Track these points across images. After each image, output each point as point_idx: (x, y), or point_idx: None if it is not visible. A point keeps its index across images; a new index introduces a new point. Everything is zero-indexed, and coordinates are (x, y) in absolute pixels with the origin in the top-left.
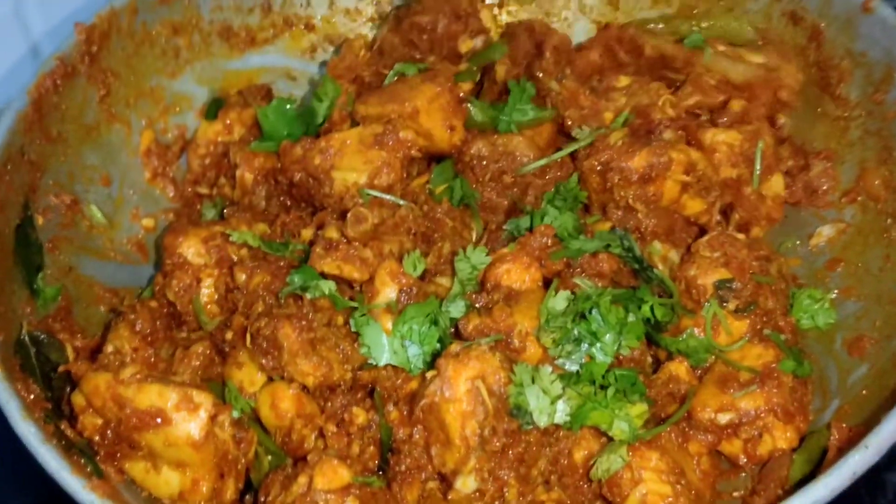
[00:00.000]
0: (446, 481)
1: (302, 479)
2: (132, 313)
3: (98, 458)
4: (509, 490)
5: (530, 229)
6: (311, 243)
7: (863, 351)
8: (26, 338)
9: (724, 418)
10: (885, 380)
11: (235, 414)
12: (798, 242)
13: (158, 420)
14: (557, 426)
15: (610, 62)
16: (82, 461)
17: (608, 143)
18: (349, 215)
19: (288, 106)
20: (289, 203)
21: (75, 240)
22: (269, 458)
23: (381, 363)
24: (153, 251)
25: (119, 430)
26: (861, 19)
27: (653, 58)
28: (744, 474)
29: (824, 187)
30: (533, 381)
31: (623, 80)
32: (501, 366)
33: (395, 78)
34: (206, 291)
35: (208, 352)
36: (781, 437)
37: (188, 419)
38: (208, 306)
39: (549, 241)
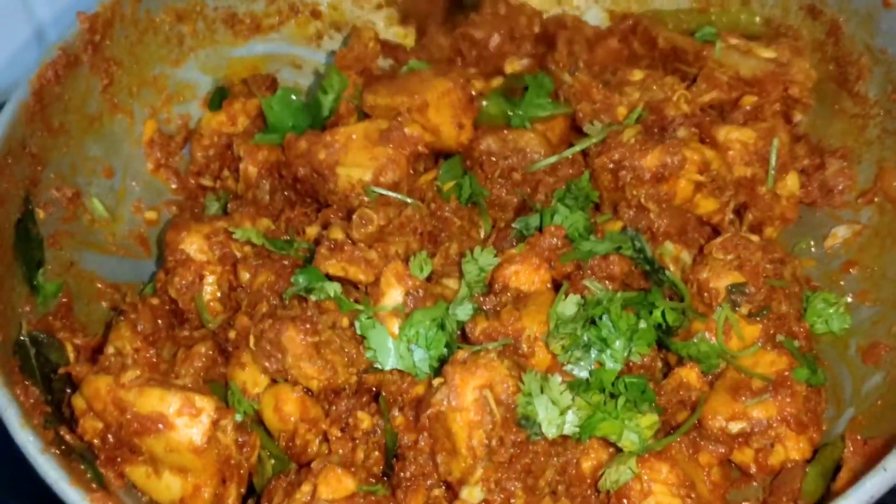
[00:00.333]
0: (452, 490)
1: (306, 488)
2: (133, 312)
3: (98, 462)
4: (516, 501)
5: (540, 228)
6: (316, 242)
7: (878, 358)
8: (26, 338)
9: (735, 427)
10: None
11: (238, 417)
12: (812, 243)
13: (160, 425)
14: (566, 436)
15: (625, 53)
16: (82, 467)
17: (621, 141)
18: (355, 216)
19: (293, 97)
20: (293, 198)
21: (77, 234)
22: (273, 462)
23: (387, 367)
24: (155, 245)
25: (120, 435)
26: (882, 14)
27: (665, 50)
28: (755, 484)
29: (840, 187)
30: (542, 391)
31: (637, 74)
32: (510, 374)
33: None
34: (209, 289)
35: (211, 352)
36: (794, 448)
37: (190, 425)
38: (211, 304)
39: (559, 242)
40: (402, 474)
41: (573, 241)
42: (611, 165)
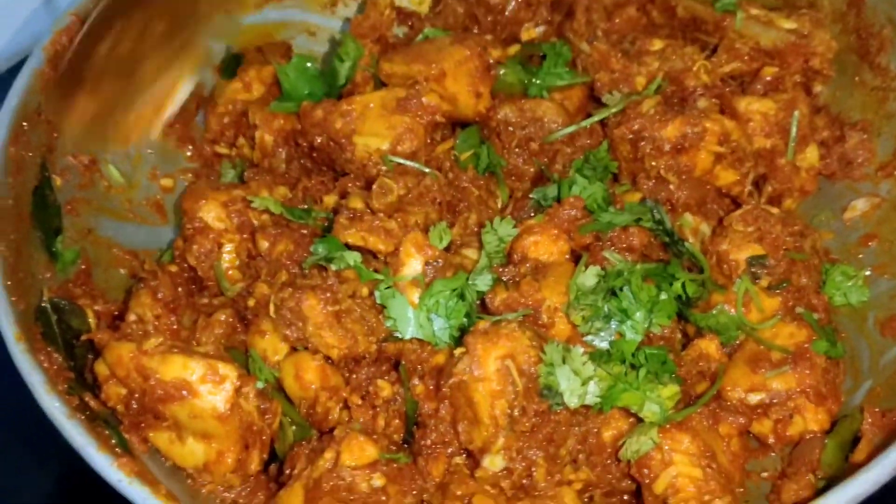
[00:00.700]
0: (472, 457)
1: (328, 454)
2: (153, 280)
3: (122, 427)
4: (537, 470)
5: (558, 198)
6: (335, 211)
7: None
8: (47, 305)
9: (754, 398)
10: None
11: (259, 384)
12: (831, 216)
13: (184, 392)
14: (587, 406)
15: (644, 22)
16: (107, 432)
17: (640, 111)
18: (375, 186)
19: (308, 64)
20: (309, 166)
21: (93, 201)
22: (294, 428)
23: (407, 336)
24: (172, 212)
25: (143, 401)
26: None
27: (685, 19)
28: (773, 454)
29: (860, 159)
30: (564, 362)
31: (657, 44)
32: (531, 344)
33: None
34: (227, 257)
35: (231, 319)
36: (812, 419)
37: (214, 391)
38: (229, 272)
39: (578, 213)
40: (422, 442)
41: (592, 213)
42: (630, 136)
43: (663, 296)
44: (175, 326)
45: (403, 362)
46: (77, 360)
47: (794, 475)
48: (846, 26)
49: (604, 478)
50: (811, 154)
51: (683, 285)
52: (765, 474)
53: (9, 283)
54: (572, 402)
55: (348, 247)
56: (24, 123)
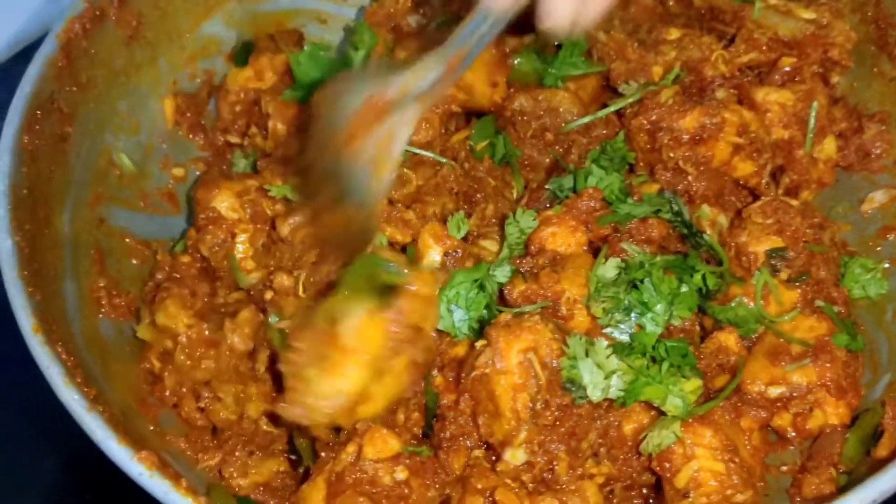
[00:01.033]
0: (492, 450)
1: (351, 448)
2: (177, 286)
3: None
4: (559, 463)
5: (573, 189)
6: None
7: None
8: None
9: (774, 392)
10: None
11: None
12: (849, 207)
13: None
14: (609, 399)
15: (660, 11)
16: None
17: (658, 101)
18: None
19: (321, 53)
20: None
21: (105, 191)
22: None
23: None
24: (184, 202)
25: None
26: None
27: (702, 8)
28: (792, 448)
29: (878, 151)
30: (587, 355)
31: (673, 33)
32: (553, 337)
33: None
34: (241, 247)
35: (258, 317)
36: (833, 413)
37: None
38: (243, 262)
39: (597, 205)
40: (441, 434)
41: (610, 204)
42: (647, 126)
43: (684, 288)
44: (207, 333)
45: None
46: None
47: (815, 469)
48: (865, 16)
49: (624, 471)
50: (829, 145)
51: (703, 277)
52: (784, 468)
53: (25, 273)
54: (596, 395)
55: None
56: (38, 112)
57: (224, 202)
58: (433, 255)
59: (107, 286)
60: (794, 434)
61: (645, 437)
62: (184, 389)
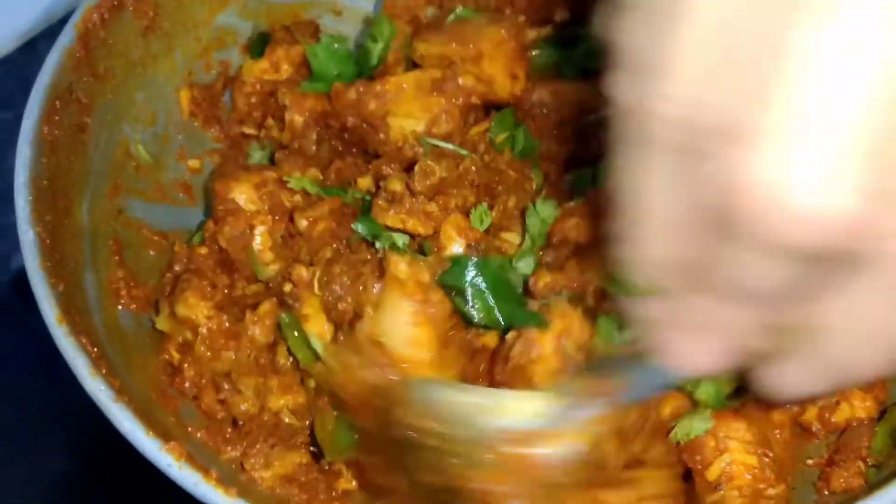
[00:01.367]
0: None
1: None
2: (196, 277)
3: None
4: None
5: (594, 180)
6: (370, 193)
7: None
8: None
9: None
10: None
11: None
12: None
13: None
14: None
15: None
16: None
17: None
18: (417, 168)
19: (337, 45)
20: (340, 148)
21: (123, 182)
22: (336, 414)
23: None
24: (200, 193)
25: None
26: None
27: None
28: (817, 441)
29: None
30: (619, 331)
31: None
32: (584, 319)
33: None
34: (259, 239)
35: (278, 309)
36: (860, 407)
37: None
38: (261, 254)
39: None
40: None
41: None
42: None
43: None
44: (227, 325)
45: None
46: None
47: (843, 462)
48: None
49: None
50: None
51: None
52: (810, 461)
53: (48, 264)
54: None
55: (387, 229)
56: (57, 102)
57: (242, 194)
58: (455, 247)
59: (125, 277)
60: (819, 427)
61: (675, 425)
62: (204, 381)
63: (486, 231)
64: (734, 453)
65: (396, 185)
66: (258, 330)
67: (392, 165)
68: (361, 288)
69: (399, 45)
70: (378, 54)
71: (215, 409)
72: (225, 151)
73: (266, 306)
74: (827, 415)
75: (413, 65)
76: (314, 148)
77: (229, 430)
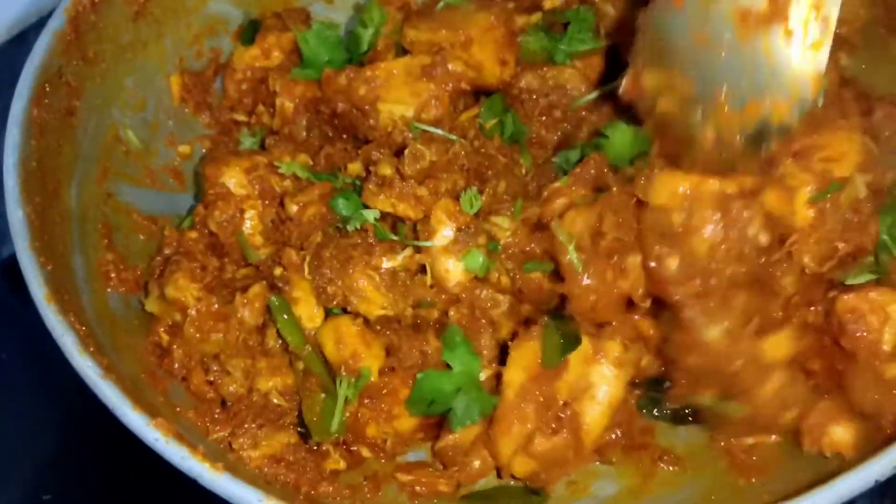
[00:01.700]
0: None
1: None
2: (186, 260)
3: None
4: None
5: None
6: (360, 178)
7: None
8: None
9: None
10: None
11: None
12: None
13: None
14: None
15: None
16: None
17: None
18: (407, 152)
19: (328, 32)
20: (330, 134)
21: (112, 166)
22: (324, 396)
23: None
24: (190, 179)
25: None
26: None
27: None
28: None
29: (887, 133)
30: None
31: None
32: None
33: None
34: (250, 223)
35: (268, 292)
36: None
37: None
38: (252, 238)
39: (604, 170)
40: None
41: (617, 169)
42: None
43: None
44: (216, 306)
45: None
46: None
47: None
48: None
49: None
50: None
51: None
52: None
53: (37, 244)
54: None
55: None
56: (47, 85)
57: (233, 178)
58: (446, 231)
59: (114, 260)
60: None
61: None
62: (192, 362)
63: (477, 215)
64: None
65: (386, 170)
66: (247, 312)
67: (382, 150)
68: (351, 271)
69: (389, 32)
70: (368, 40)
71: (204, 390)
72: (215, 137)
73: (256, 289)
74: None
75: (403, 51)
76: (304, 134)
77: (218, 410)
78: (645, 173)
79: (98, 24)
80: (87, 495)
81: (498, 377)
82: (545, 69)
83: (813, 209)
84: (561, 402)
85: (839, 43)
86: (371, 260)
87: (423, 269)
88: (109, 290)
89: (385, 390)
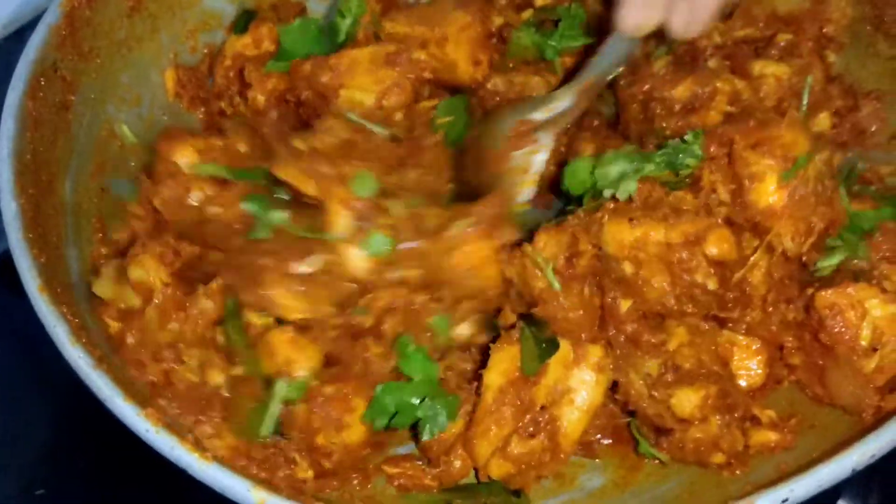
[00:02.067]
0: None
1: None
2: (161, 247)
3: None
4: None
5: None
6: None
7: None
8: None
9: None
10: None
11: None
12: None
13: None
14: None
15: None
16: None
17: (651, 71)
18: (317, 123)
19: (311, 27)
20: (297, 125)
21: (107, 161)
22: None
23: None
24: None
25: None
26: None
27: None
28: None
29: (873, 128)
30: None
31: None
32: None
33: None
34: (195, 205)
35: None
36: None
37: None
38: None
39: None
40: None
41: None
42: (641, 97)
43: None
44: (178, 294)
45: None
46: None
47: None
48: None
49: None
50: (823, 122)
51: None
52: None
53: (30, 235)
54: None
55: (277, 183)
56: (42, 79)
57: (185, 157)
58: (343, 220)
59: (108, 254)
60: None
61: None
62: (146, 351)
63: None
64: (875, 311)
65: (300, 144)
66: (211, 304)
67: None
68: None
69: (368, 23)
70: (346, 30)
71: (161, 379)
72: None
73: (221, 280)
74: None
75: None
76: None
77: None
78: (596, 219)
79: (93, 19)
80: (80, 490)
81: (478, 378)
82: (514, 73)
83: (784, 191)
84: (539, 406)
85: (826, 41)
86: (285, 267)
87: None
88: None
89: (336, 397)
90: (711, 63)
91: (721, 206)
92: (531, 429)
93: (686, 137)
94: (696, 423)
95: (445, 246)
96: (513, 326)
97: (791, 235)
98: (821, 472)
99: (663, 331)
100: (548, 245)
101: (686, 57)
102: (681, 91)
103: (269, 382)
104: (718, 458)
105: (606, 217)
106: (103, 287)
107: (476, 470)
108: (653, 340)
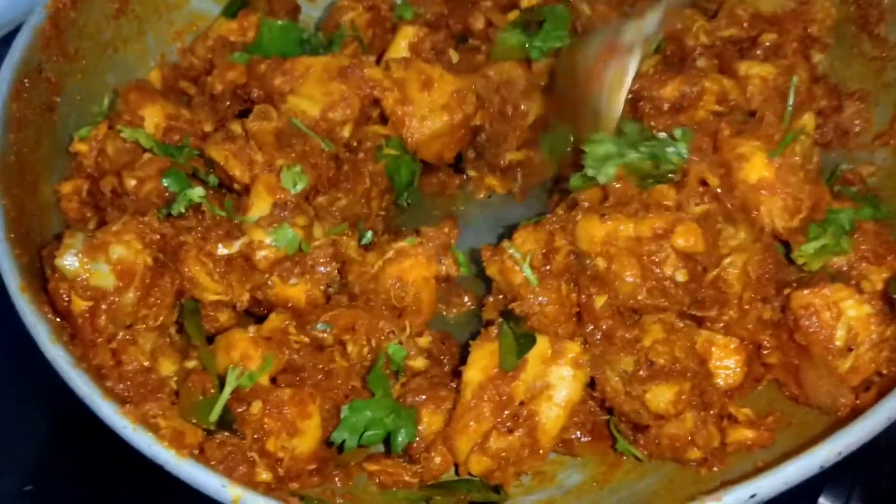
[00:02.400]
0: None
1: None
2: (136, 220)
3: None
4: None
5: None
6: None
7: None
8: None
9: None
10: None
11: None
12: None
13: None
14: None
15: None
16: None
17: (640, 71)
18: (255, 108)
19: (293, 34)
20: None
21: None
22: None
23: None
24: None
25: None
26: None
27: None
28: None
29: (857, 129)
30: None
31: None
32: None
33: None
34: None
35: None
36: (879, 280)
37: None
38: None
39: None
40: None
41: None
42: (630, 96)
43: None
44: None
45: None
46: None
47: None
48: None
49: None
50: (807, 122)
51: None
52: None
53: (12, 235)
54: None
55: (210, 163)
56: (26, 80)
57: (154, 116)
58: (263, 205)
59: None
60: None
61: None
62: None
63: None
64: (850, 311)
65: (236, 127)
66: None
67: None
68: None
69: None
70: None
71: (106, 359)
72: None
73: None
74: None
75: None
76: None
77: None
78: (572, 217)
79: (78, 21)
80: (67, 487)
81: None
82: (485, 68)
83: (772, 166)
84: (518, 402)
85: (810, 41)
86: (205, 246)
87: None
88: None
89: (293, 400)
90: (700, 62)
91: (706, 196)
92: (510, 424)
93: (675, 133)
94: (672, 418)
95: (384, 258)
96: (492, 323)
97: (779, 211)
98: (787, 470)
99: (638, 327)
100: (526, 242)
101: (674, 57)
102: (669, 90)
103: (221, 381)
104: (694, 454)
105: (580, 215)
106: (69, 263)
107: (456, 466)
108: (627, 336)
